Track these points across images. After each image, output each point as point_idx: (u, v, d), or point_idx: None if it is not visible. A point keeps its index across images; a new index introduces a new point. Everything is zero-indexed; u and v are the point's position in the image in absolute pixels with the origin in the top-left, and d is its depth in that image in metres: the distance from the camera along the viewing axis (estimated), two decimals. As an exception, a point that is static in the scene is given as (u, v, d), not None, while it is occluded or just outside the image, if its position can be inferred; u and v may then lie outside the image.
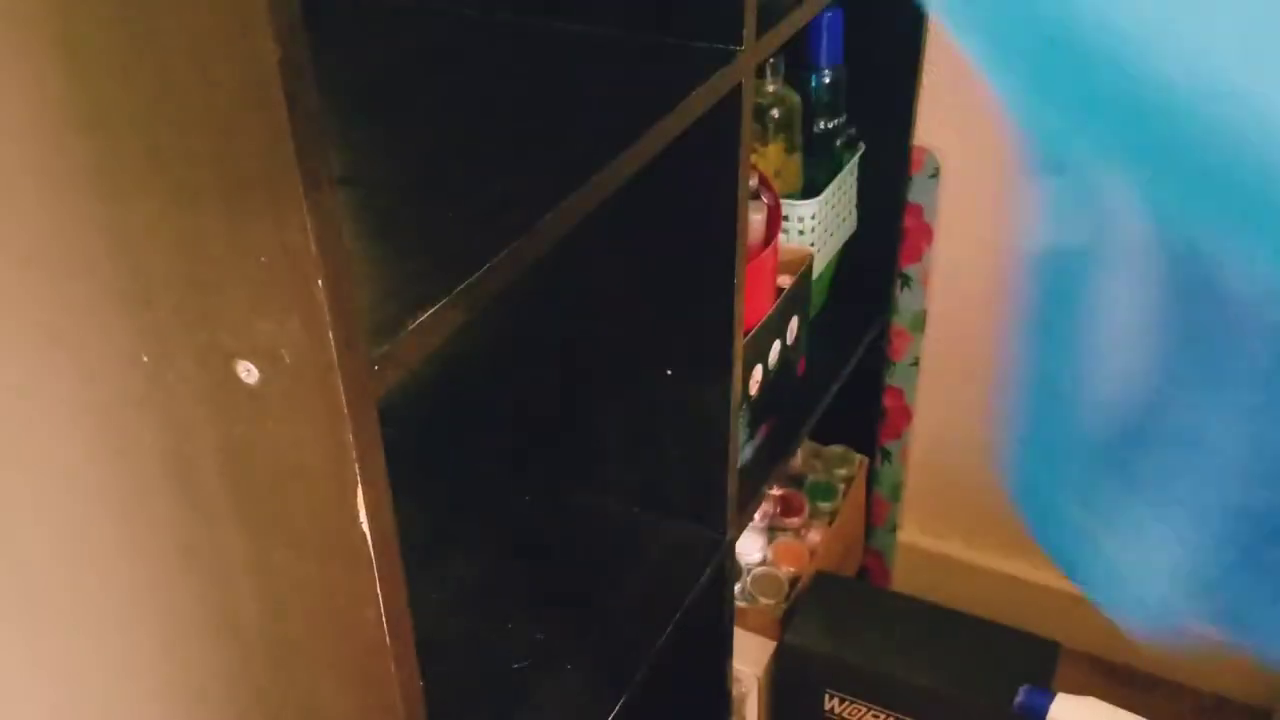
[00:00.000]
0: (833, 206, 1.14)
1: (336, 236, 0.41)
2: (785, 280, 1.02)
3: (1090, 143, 0.44)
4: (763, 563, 1.27)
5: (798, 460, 1.37)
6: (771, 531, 1.29)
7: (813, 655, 1.18)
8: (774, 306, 0.99)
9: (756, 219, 0.97)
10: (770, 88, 1.07)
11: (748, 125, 0.76)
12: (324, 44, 0.74)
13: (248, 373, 0.45)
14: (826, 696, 1.19)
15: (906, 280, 1.31)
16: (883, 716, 1.17)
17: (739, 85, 0.73)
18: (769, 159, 1.09)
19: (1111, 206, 0.46)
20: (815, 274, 1.12)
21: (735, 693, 1.18)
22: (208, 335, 0.45)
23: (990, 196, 1.23)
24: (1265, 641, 0.54)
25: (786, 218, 1.08)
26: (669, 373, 0.87)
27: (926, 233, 1.27)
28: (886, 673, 1.16)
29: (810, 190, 1.13)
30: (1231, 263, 0.43)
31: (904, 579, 1.51)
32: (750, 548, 1.27)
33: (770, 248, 0.96)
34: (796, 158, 1.12)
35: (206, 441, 0.48)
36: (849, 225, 1.20)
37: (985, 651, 1.16)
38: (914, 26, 1.16)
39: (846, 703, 1.18)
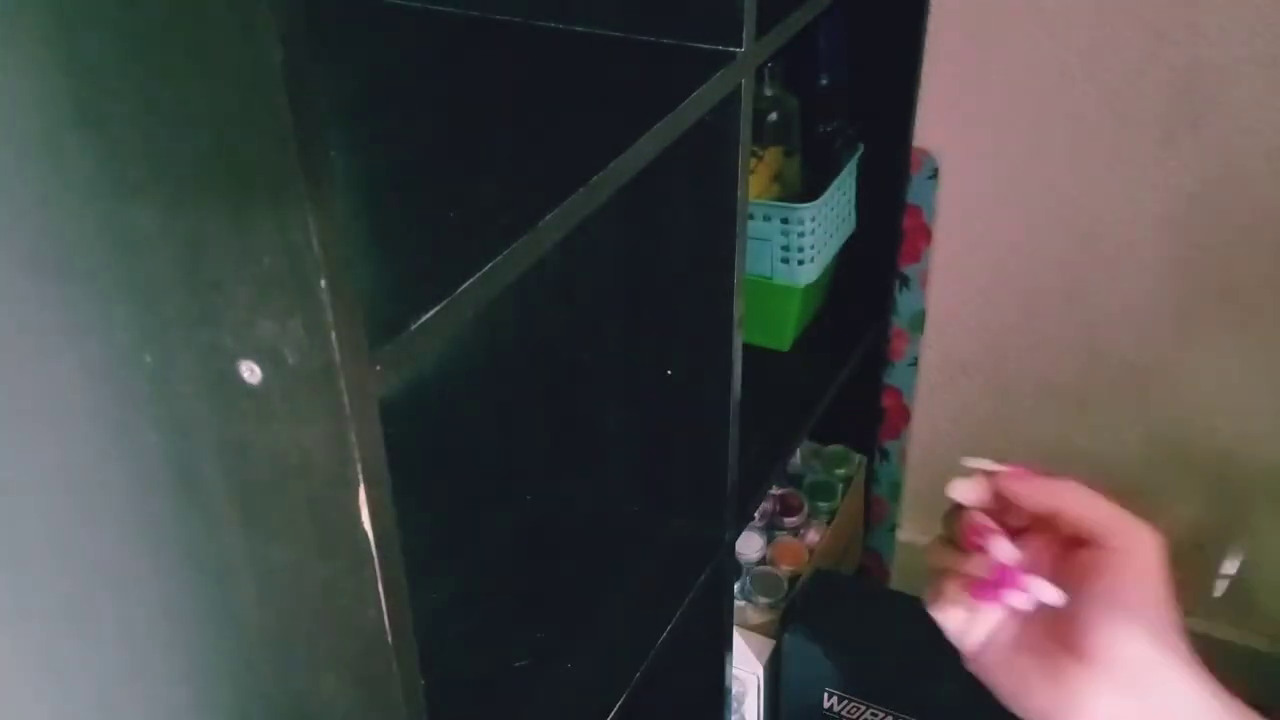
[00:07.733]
0: (832, 208, 1.14)
1: (339, 237, 0.41)
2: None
3: None
4: (762, 562, 1.27)
5: (797, 460, 1.38)
6: (770, 531, 1.30)
7: (812, 654, 1.18)
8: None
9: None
10: (769, 91, 1.07)
11: (747, 126, 0.76)
12: (324, 44, 0.74)
13: (250, 373, 0.45)
14: (825, 695, 1.19)
15: (905, 281, 1.31)
16: (881, 715, 1.17)
17: (739, 87, 0.73)
18: (768, 162, 1.09)
19: None
20: (814, 276, 1.12)
21: (734, 691, 1.19)
22: (210, 336, 0.45)
23: (988, 197, 1.23)
24: None
25: (786, 220, 1.08)
26: (669, 373, 0.88)
27: (925, 233, 1.28)
28: (885, 671, 1.16)
29: (809, 193, 1.13)
30: None
31: (903, 578, 1.51)
32: (749, 547, 1.27)
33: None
34: (795, 160, 1.12)
35: (209, 441, 0.49)
36: (848, 226, 1.20)
37: (984, 651, 1.16)
38: (913, 27, 1.16)
39: (845, 701, 1.18)
